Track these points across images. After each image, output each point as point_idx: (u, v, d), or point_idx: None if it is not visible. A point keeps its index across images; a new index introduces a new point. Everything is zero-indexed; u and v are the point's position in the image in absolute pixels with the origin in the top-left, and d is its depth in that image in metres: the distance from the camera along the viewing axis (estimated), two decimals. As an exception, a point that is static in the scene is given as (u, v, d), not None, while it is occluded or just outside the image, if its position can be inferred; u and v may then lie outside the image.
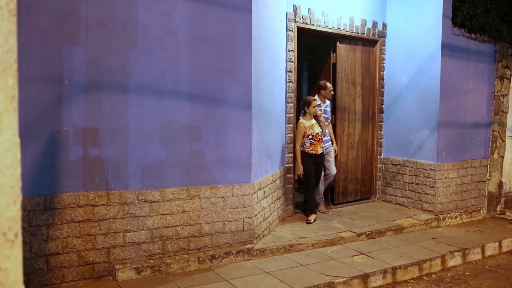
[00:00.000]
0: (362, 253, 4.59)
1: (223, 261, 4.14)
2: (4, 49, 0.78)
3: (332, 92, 6.03)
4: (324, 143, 5.69)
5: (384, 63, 6.75)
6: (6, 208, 0.79)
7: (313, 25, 5.88)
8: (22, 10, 3.23)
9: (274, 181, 5.15)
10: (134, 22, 3.72)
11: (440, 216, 5.99)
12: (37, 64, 3.36)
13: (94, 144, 3.62)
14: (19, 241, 0.83)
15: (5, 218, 0.78)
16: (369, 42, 6.65)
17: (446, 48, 5.92)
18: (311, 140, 5.33)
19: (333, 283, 3.80)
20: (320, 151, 5.41)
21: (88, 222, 3.63)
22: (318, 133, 5.36)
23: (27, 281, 3.36)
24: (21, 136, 1.00)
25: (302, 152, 5.40)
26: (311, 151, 5.34)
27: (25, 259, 3.33)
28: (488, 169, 6.64)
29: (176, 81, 3.94)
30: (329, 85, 5.98)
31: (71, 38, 3.49)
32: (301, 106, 5.63)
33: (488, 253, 5.15)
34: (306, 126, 5.35)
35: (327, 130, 5.92)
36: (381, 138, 6.77)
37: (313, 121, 5.42)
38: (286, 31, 5.59)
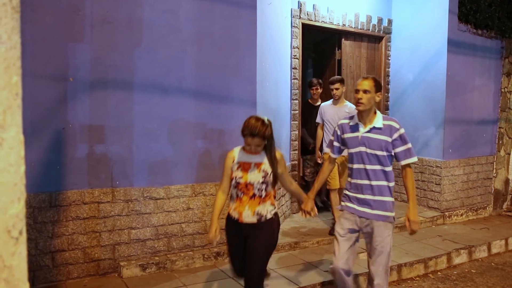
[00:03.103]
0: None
1: (228, 258, 4.13)
2: (8, 46, 0.78)
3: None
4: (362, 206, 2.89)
5: (389, 60, 6.70)
6: (10, 205, 0.78)
7: (318, 21, 5.85)
8: (27, 8, 3.24)
9: (279, 178, 5.13)
10: (138, 20, 3.72)
11: (446, 213, 5.95)
12: (42, 61, 3.37)
13: (100, 141, 3.63)
14: (23, 238, 0.83)
15: (9, 216, 0.78)
16: (374, 39, 6.61)
17: (452, 44, 5.87)
18: (236, 189, 2.76)
19: (338, 280, 3.79)
20: (249, 218, 2.71)
21: (93, 219, 3.64)
22: (251, 183, 2.69)
23: (32, 277, 3.38)
24: (27, 133, 1.00)
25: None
26: (232, 213, 2.80)
27: (31, 256, 3.35)
28: (495, 166, 6.60)
29: (181, 78, 3.93)
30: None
31: (76, 36, 3.50)
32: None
33: (494, 250, 5.12)
34: (234, 160, 2.81)
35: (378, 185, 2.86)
36: (387, 135, 6.72)
37: (261, 159, 2.74)
38: (291, 27, 5.57)
